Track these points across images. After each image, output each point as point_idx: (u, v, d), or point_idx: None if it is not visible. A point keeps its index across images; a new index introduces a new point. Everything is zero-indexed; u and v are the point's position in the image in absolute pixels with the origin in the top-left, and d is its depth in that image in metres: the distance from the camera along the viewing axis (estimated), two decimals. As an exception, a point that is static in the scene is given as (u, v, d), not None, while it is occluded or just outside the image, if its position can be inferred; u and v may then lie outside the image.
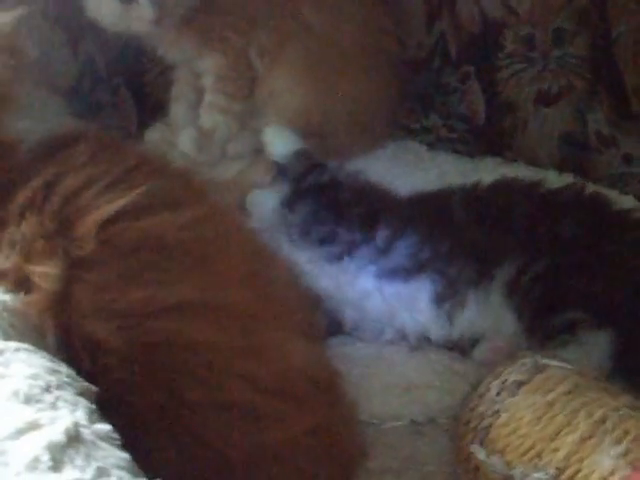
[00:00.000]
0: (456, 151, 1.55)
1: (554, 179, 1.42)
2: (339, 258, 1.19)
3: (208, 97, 1.45)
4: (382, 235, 1.19)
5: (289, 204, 1.23)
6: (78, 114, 1.50)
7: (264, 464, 0.85)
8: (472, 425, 0.94)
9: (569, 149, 1.49)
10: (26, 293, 0.86)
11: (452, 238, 1.17)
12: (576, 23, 1.41)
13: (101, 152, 0.99)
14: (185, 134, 1.45)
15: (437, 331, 1.16)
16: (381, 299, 1.18)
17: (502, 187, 1.25)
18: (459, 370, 1.12)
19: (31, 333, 0.87)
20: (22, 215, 0.89)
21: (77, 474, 0.63)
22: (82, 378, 0.81)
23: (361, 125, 1.45)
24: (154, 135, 1.52)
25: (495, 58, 1.47)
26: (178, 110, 1.52)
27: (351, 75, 1.40)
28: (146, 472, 0.73)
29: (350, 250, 1.19)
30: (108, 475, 0.65)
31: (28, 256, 0.87)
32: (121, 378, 0.83)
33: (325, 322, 1.13)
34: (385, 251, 1.18)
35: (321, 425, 0.89)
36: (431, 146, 1.57)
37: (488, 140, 1.53)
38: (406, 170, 1.51)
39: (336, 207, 1.23)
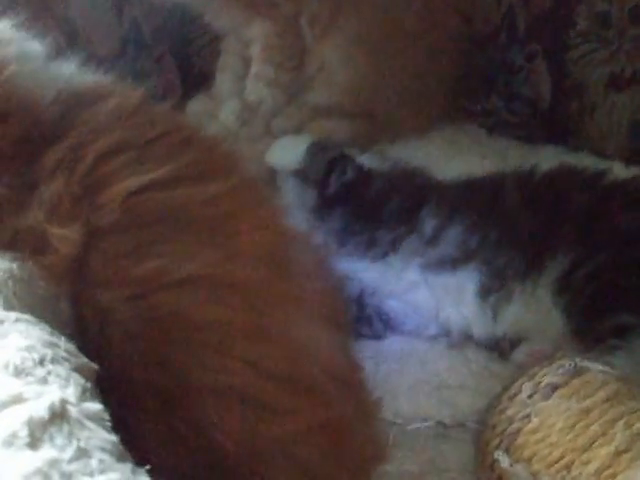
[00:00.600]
0: (517, 137, 1.51)
1: (620, 171, 1.35)
2: (383, 257, 1.16)
3: (255, 67, 1.43)
4: (428, 225, 1.16)
5: (319, 214, 1.21)
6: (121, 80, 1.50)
7: (263, 457, 0.82)
8: (499, 429, 0.90)
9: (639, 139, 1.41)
10: (43, 255, 0.85)
11: (502, 226, 1.14)
12: (656, 0, 1.33)
13: (132, 114, 0.97)
14: (228, 106, 1.43)
15: (481, 327, 1.13)
16: (427, 291, 1.15)
17: (561, 174, 1.21)
18: (496, 372, 1.09)
19: (38, 303, 0.86)
20: (52, 175, 0.88)
21: (55, 453, 0.61)
22: (90, 350, 0.80)
23: (414, 104, 1.42)
24: (196, 107, 1.51)
25: (566, 36, 1.42)
26: (223, 81, 1.51)
27: (406, 50, 1.37)
28: (139, 452, 0.72)
29: (394, 247, 1.17)
30: (89, 457, 0.62)
31: (51, 218, 0.86)
32: (123, 352, 0.82)
33: (352, 312, 1.10)
34: (432, 241, 1.16)
35: (332, 420, 0.85)
36: (491, 130, 1.53)
37: (551, 126, 1.48)
38: (462, 154, 1.48)
39: (370, 208, 1.20)
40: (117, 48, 1.50)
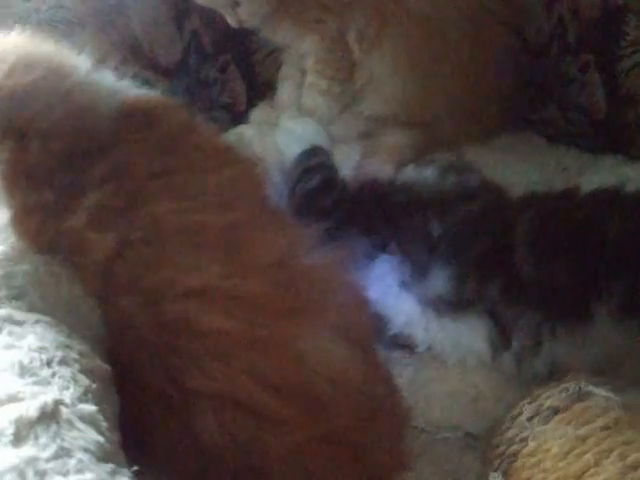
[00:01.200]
0: (576, 145, 1.48)
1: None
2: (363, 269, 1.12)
3: (309, 78, 1.47)
4: (397, 251, 1.12)
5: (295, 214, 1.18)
6: (185, 90, 1.56)
7: (262, 467, 0.84)
8: (500, 450, 0.89)
9: (699, 148, 1.37)
10: (79, 257, 0.91)
11: (510, 273, 1.06)
12: None
13: (179, 139, 1.03)
14: (286, 115, 1.47)
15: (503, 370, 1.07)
16: (430, 333, 1.10)
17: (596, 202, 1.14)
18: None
19: (62, 306, 0.91)
20: (100, 186, 0.94)
21: (34, 452, 0.65)
22: (111, 350, 0.88)
23: (467, 114, 1.41)
24: (258, 115, 1.55)
25: (616, 47, 1.40)
26: (284, 91, 1.55)
27: (455, 62, 1.37)
28: (147, 450, 0.80)
29: (369, 263, 1.12)
30: (69, 456, 0.67)
31: (91, 223, 0.92)
32: (135, 355, 0.87)
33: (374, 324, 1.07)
34: (417, 275, 1.09)
35: (336, 432, 0.87)
36: (550, 139, 1.51)
37: (609, 135, 1.45)
38: (521, 163, 1.46)
39: (333, 219, 1.17)
40: (179, 59, 1.56)
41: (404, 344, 1.13)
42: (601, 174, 1.40)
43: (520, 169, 1.43)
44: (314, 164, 1.28)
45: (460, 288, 1.07)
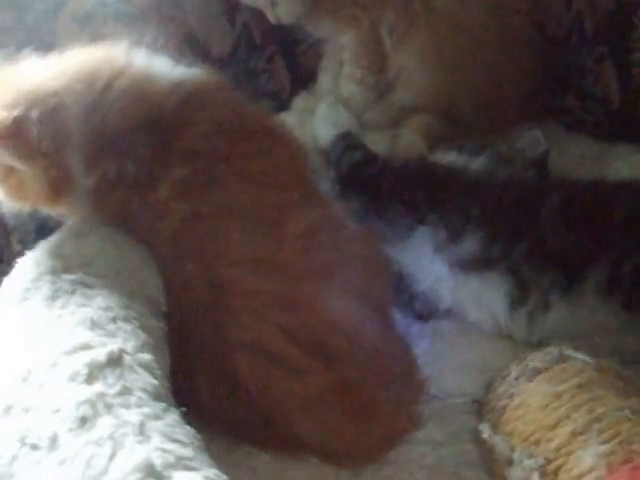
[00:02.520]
0: (593, 134, 1.57)
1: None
2: (401, 240, 1.25)
3: (346, 69, 1.59)
4: (443, 220, 1.23)
5: (339, 193, 1.31)
6: (234, 79, 1.69)
7: (286, 409, 0.99)
8: (491, 405, 1.00)
9: None
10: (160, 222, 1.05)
11: (533, 238, 1.18)
12: None
13: (239, 121, 1.14)
14: (324, 102, 1.59)
15: (514, 333, 1.18)
16: (455, 291, 1.22)
17: (607, 186, 1.25)
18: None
19: (125, 272, 1.05)
20: (182, 162, 1.06)
21: (103, 388, 0.81)
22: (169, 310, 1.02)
23: (490, 104, 1.51)
24: (300, 103, 1.67)
25: (628, 39, 1.48)
26: (324, 80, 1.66)
27: (479, 56, 1.48)
28: (191, 395, 0.93)
29: (409, 233, 1.25)
30: (130, 394, 0.82)
31: (174, 194, 1.05)
32: (190, 313, 1.02)
33: (392, 290, 1.18)
34: (451, 239, 1.21)
35: (352, 383, 1.00)
36: (569, 127, 1.60)
37: (624, 124, 1.54)
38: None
39: (379, 191, 1.29)
40: (230, 50, 1.68)
41: (427, 309, 1.25)
42: (616, 161, 1.50)
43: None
44: (354, 142, 1.42)
45: (488, 249, 1.19)
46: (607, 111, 1.55)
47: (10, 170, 1.06)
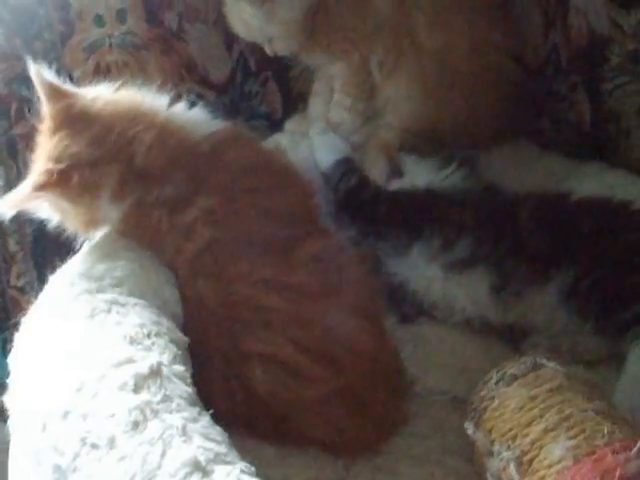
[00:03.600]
0: (565, 153, 1.73)
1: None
2: (400, 255, 1.43)
3: (336, 96, 1.74)
4: (438, 235, 1.42)
5: (336, 216, 1.48)
6: (231, 102, 1.85)
7: (299, 413, 1.15)
8: (474, 406, 1.15)
9: (670, 159, 1.62)
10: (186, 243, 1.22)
11: (513, 240, 1.38)
12: (681, 41, 1.54)
13: (258, 161, 1.34)
14: (315, 126, 1.75)
15: (493, 316, 1.37)
16: (445, 287, 1.41)
17: (580, 201, 1.44)
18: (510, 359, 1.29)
19: (151, 292, 1.21)
20: (212, 192, 1.25)
21: (148, 397, 0.95)
22: (186, 324, 1.19)
23: (469, 128, 1.66)
24: (292, 126, 1.82)
25: (601, 70, 1.64)
26: (315, 105, 1.81)
27: (460, 87, 1.63)
28: (207, 400, 1.05)
29: (407, 248, 1.43)
30: (171, 400, 0.96)
31: (201, 219, 1.22)
32: (207, 326, 1.18)
33: (386, 298, 1.37)
34: (444, 247, 1.41)
35: (354, 387, 1.16)
36: (543, 147, 1.75)
37: (593, 146, 1.70)
38: (518, 168, 1.72)
39: (374, 213, 1.48)
40: (227, 75, 1.84)
41: (414, 309, 1.44)
42: (585, 179, 1.65)
43: (516, 173, 1.70)
44: (350, 168, 1.59)
45: (476, 251, 1.39)
46: (578, 133, 1.71)
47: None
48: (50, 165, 1.20)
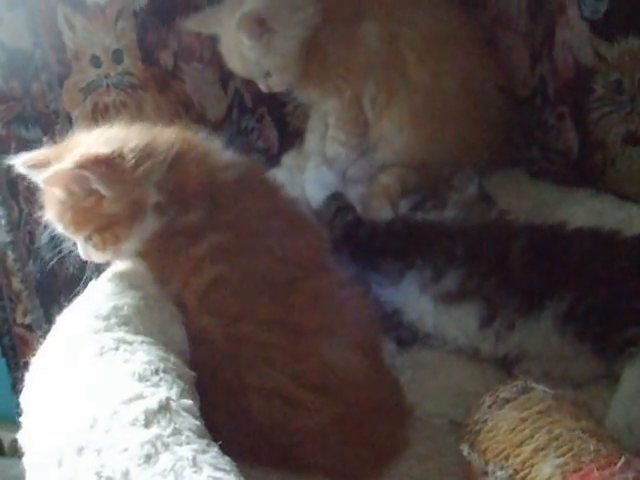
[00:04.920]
0: (555, 180, 1.81)
1: (637, 213, 1.68)
2: (394, 284, 1.51)
3: (330, 132, 1.82)
4: (429, 266, 1.48)
5: (333, 252, 1.52)
6: (228, 139, 1.93)
7: (299, 442, 1.21)
8: (469, 428, 1.21)
9: (656, 185, 1.70)
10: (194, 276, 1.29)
11: (503, 272, 1.43)
12: (661, 72, 1.63)
13: (274, 204, 1.41)
14: (312, 161, 1.83)
15: (484, 349, 1.44)
16: (435, 318, 1.48)
17: (571, 232, 1.50)
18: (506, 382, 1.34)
19: (157, 329, 1.28)
20: (225, 226, 1.31)
21: (159, 431, 1.02)
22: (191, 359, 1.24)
23: (461, 160, 1.74)
24: (289, 161, 1.90)
25: (587, 101, 1.72)
26: (311, 140, 1.89)
27: (450, 121, 1.70)
28: (212, 431, 1.11)
29: (399, 278, 1.50)
30: (180, 434, 1.03)
31: (209, 254, 1.29)
32: (208, 360, 1.25)
33: (382, 335, 1.43)
34: (434, 279, 1.47)
35: (351, 416, 1.22)
36: (534, 175, 1.83)
37: (581, 173, 1.77)
38: (510, 195, 1.80)
39: (369, 247, 1.55)
40: (224, 112, 1.91)
41: (410, 336, 1.51)
42: (574, 206, 1.74)
43: (509, 200, 1.77)
44: (343, 205, 1.66)
45: (466, 283, 1.45)
46: (567, 162, 1.79)
47: (87, 194, 1.29)
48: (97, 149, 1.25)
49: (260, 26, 1.63)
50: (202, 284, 1.26)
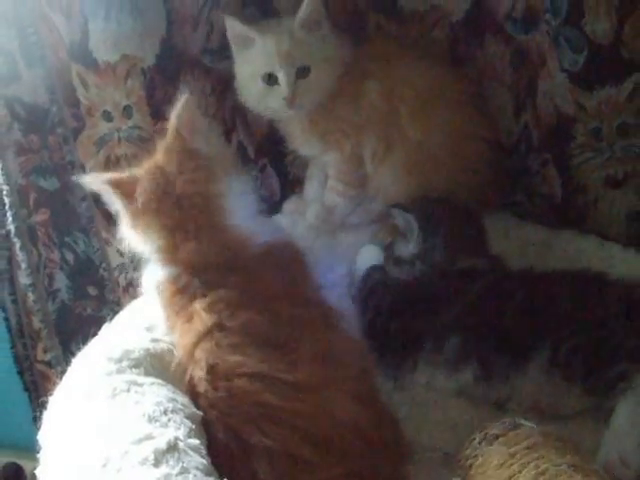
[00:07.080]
0: (541, 222, 1.81)
1: (618, 253, 1.69)
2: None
3: (330, 182, 1.82)
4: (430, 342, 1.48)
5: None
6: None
7: None
8: (461, 463, 1.21)
9: (635, 226, 1.75)
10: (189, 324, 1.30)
11: (496, 330, 1.43)
12: (638, 117, 1.67)
13: (294, 276, 1.41)
14: (312, 208, 1.84)
15: (478, 395, 1.44)
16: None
17: (555, 277, 1.50)
18: (496, 418, 1.34)
19: (166, 372, 1.29)
20: (231, 286, 1.32)
21: (168, 470, 1.02)
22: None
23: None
24: (290, 207, 1.91)
25: (568, 147, 1.74)
26: (310, 187, 1.90)
27: (441, 172, 1.71)
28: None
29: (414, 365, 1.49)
30: (188, 472, 1.03)
31: (208, 306, 1.30)
32: (206, 416, 1.22)
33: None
34: (436, 351, 1.47)
35: (354, 471, 1.18)
36: (520, 217, 1.83)
37: (565, 215, 1.79)
38: (498, 238, 1.78)
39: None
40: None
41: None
42: (561, 247, 1.75)
43: (496, 242, 1.76)
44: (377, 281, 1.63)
45: (465, 347, 1.44)
46: (551, 205, 1.80)
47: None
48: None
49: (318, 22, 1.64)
50: (198, 333, 1.26)
